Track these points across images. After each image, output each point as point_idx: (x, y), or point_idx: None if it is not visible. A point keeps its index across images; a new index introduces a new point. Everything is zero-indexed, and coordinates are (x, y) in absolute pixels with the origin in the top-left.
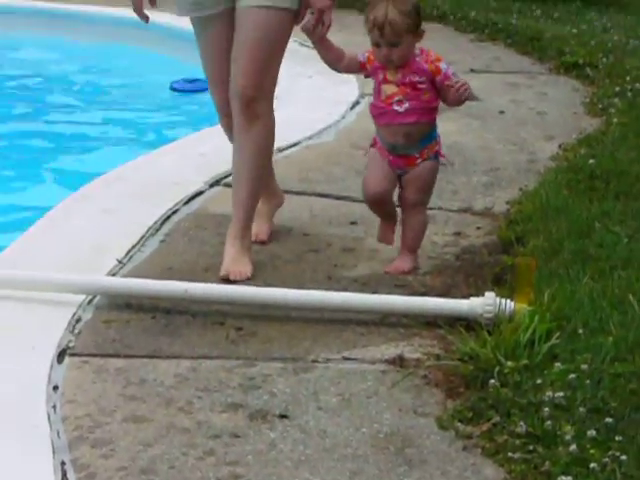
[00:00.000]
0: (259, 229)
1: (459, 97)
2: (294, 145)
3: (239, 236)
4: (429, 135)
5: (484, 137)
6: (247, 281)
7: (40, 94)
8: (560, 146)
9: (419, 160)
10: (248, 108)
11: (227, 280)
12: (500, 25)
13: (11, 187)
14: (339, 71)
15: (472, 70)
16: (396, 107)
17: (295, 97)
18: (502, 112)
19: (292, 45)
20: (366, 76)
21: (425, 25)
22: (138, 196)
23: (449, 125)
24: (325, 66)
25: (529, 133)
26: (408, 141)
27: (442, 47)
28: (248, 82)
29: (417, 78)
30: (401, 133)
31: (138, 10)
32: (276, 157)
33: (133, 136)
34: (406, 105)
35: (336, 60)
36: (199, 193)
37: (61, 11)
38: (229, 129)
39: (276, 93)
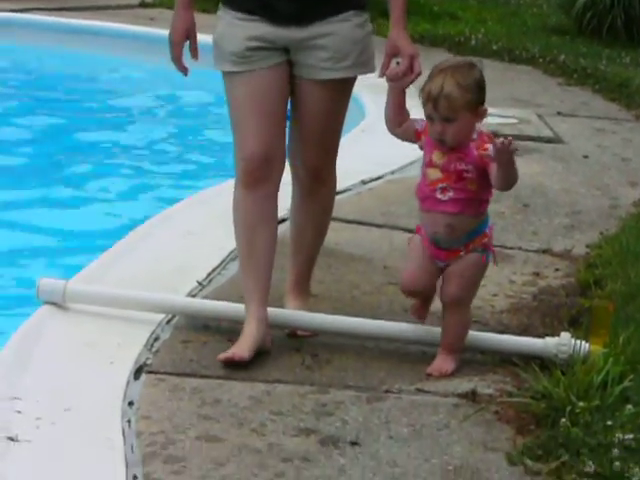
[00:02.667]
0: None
1: (501, 156)
2: (378, 179)
3: (300, 295)
4: (476, 229)
5: (567, 180)
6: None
7: (123, 116)
8: None
9: (462, 253)
10: (317, 178)
11: (293, 335)
12: (589, 70)
13: (97, 204)
14: (394, 133)
15: (559, 113)
16: (439, 195)
17: (381, 132)
18: (586, 157)
19: (382, 81)
20: (420, 147)
21: (514, 67)
22: (220, 219)
23: (534, 167)
24: (413, 103)
25: (612, 178)
26: (450, 234)
27: (530, 89)
28: (318, 161)
29: (463, 166)
30: (442, 223)
31: (177, 61)
32: (360, 189)
33: (216, 160)
34: (450, 194)
35: (399, 121)
36: (282, 220)
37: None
38: (250, 187)
39: (363, 127)
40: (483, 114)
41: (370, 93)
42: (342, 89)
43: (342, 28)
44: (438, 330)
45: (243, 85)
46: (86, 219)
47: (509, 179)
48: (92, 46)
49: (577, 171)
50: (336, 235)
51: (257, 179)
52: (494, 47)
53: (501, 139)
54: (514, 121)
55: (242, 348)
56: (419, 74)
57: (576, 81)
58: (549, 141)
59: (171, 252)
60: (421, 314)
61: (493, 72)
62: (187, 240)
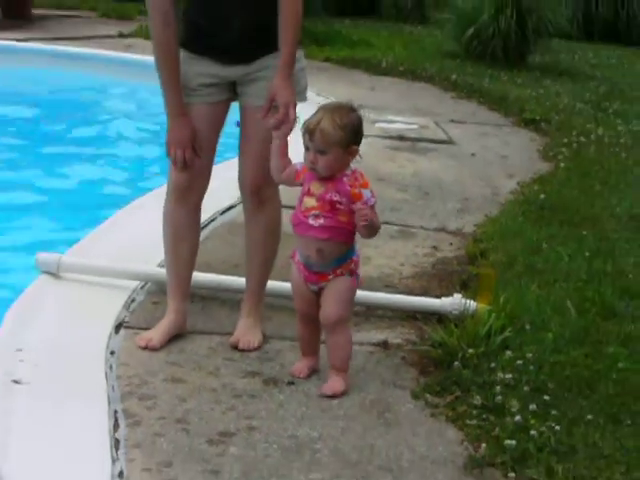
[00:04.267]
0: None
1: (358, 220)
2: None
3: (253, 308)
4: (344, 255)
5: (459, 173)
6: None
7: (105, 119)
8: (518, 183)
9: (331, 277)
10: (259, 197)
11: (236, 347)
12: (475, 86)
13: (86, 192)
14: (279, 181)
15: (452, 120)
16: (311, 221)
17: None
18: (473, 154)
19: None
20: (300, 184)
21: (416, 84)
22: None
23: (432, 163)
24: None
25: (494, 172)
26: (320, 258)
27: (428, 102)
28: (256, 174)
29: (337, 197)
30: (313, 247)
31: (191, 162)
32: None
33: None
34: (321, 221)
35: (283, 166)
36: (232, 206)
37: None
38: (178, 202)
39: None
40: (354, 153)
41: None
42: None
43: (278, 63)
44: (363, 293)
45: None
46: (77, 203)
47: (369, 234)
48: (80, 68)
49: (466, 166)
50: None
51: (184, 195)
52: (400, 68)
53: (359, 207)
54: (416, 127)
55: (157, 339)
56: (294, 122)
57: (465, 95)
58: (444, 142)
59: (145, 230)
60: (300, 370)
61: (399, 88)
62: (158, 222)
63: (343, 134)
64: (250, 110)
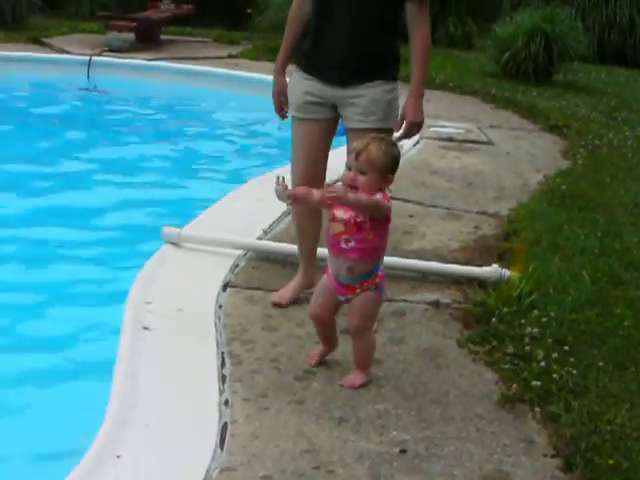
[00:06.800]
0: (284, 294)
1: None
2: None
3: (300, 278)
4: (371, 272)
5: (496, 168)
6: None
7: (219, 125)
8: (544, 176)
9: (358, 290)
10: None
11: (277, 304)
12: (510, 99)
13: (204, 179)
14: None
15: (491, 126)
16: (343, 245)
17: None
18: (508, 153)
19: None
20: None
21: (463, 97)
22: None
23: (475, 160)
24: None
25: (524, 167)
26: (350, 274)
27: (473, 111)
28: None
29: (360, 218)
30: (345, 266)
31: (277, 112)
32: None
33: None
34: (352, 244)
35: (320, 203)
36: None
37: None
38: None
39: None
40: (389, 181)
41: None
42: None
43: (370, 92)
44: (419, 262)
45: (299, 128)
46: (195, 187)
47: (365, 209)
48: (200, 83)
49: (502, 162)
50: None
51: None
52: (450, 84)
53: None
54: (462, 131)
55: (286, 297)
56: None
57: (502, 106)
58: (484, 143)
59: (248, 210)
60: (314, 358)
61: (450, 100)
62: (258, 204)
63: (386, 160)
64: (349, 130)
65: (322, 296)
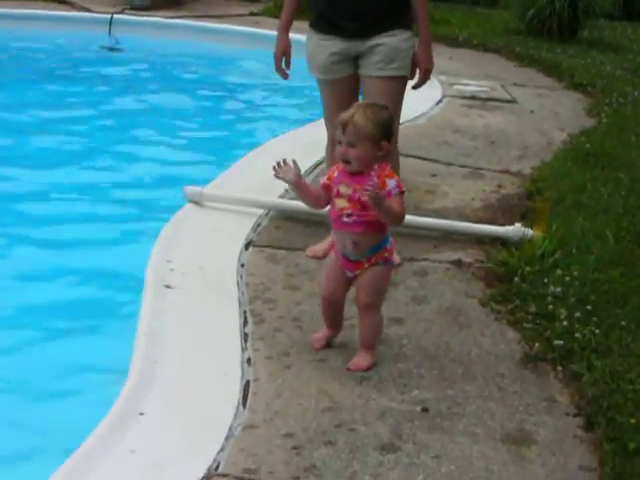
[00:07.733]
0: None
1: (371, 201)
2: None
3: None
4: (378, 245)
5: (520, 126)
6: None
7: (238, 82)
8: (568, 135)
9: (367, 265)
10: None
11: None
12: (534, 57)
13: (225, 140)
14: (322, 208)
15: (515, 84)
16: (345, 219)
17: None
18: (532, 112)
19: None
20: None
21: (486, 55)
22: (302, 151)
23: (498, 118)
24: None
25: (548, 126)
26: (356, 249)
27: (496, 69)
28: None
29: (365, 197)
30: (349, 240)
31: (278, 71)
32: None
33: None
34: (354, 218)
35: (315, 198)
36: None
37: None
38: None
39: None
40: (382, 149)
41: None
42: (392, 84)
43: (391, 41)
44: (441, 221)
45: (328, 88)
46: (217, 147)
47: (389, 219)
48: (219, 40)
49: (526, 121)
50: None
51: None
52: (474, 42)
53: (370, 188)
54: (486, 89)
55: (321, 251)
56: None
57: (526, 64)
58: (508, 102)
59: (269, 169)
60: (318, 340)
61: (473, 58)
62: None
63: (375, 130)
64: (367, 79)
65: (332, 275)
